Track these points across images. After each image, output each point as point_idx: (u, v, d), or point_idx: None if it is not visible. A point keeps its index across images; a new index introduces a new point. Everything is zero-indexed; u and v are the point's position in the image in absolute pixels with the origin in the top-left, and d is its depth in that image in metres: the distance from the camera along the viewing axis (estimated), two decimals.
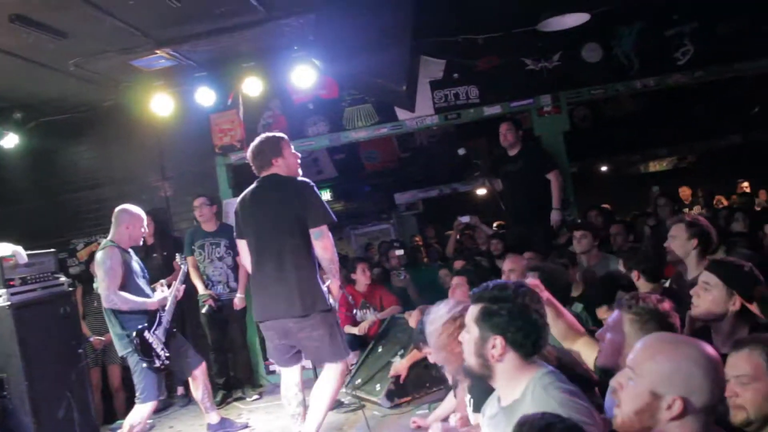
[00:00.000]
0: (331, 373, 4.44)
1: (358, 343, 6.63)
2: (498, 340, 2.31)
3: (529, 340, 2.31)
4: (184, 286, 5.63)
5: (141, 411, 5.05)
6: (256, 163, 4.55)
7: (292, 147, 4.67)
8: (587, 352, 2.97)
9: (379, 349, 6.37)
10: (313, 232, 4.26)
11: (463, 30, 6.88)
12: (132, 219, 5.24)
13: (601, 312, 3.80)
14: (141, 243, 5.41)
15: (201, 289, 6.66)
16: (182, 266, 5.92)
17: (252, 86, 6.85)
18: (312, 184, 4.42)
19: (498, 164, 6.96)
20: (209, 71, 6.78)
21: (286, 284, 4.26)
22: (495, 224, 9.38)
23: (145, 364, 4.99)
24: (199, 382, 5.39)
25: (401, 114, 7.20)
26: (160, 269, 6.63)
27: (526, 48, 7.17)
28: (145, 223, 5.37)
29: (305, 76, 6.56)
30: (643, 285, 4.04)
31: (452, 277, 5.88)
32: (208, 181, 7.48)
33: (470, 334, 2.39)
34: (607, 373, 2.66)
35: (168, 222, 7.57)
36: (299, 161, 4.65)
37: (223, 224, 7.02)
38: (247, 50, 6.48)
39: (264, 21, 5.71)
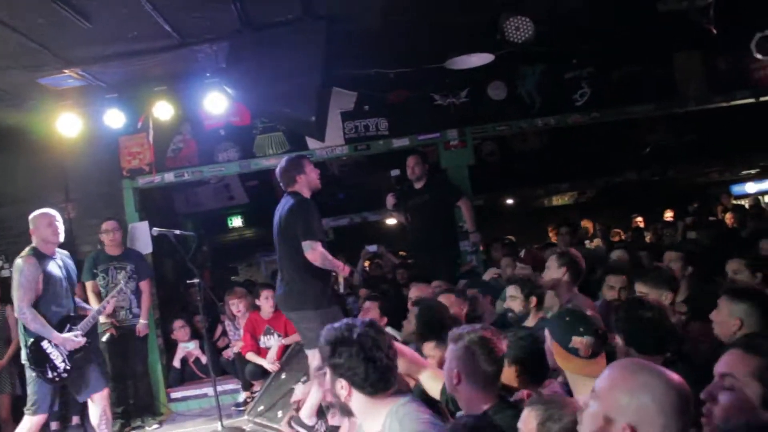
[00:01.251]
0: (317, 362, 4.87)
1: (261, 370, 6.63)
2: (343, 382, 2.43)
3: (368, 382, 2.40)
4: (114, 300, 5.76)
5: (28, 423, 4.89)
6: (283, 182, 5.22)
7: (312, 164, 5.30)
8: (430, 384, 3.13)
9: (283, 376, 6.38)
10: (303, 245, 4.79)
11: (374, 64, 7.08)
12: (35, 221, 5.15)
13: (428, 348, 3.85)
14: (61, 239, 5.27)
15: (102, 317, 6.49)
16: (120, 282, 6.02)
17: (163, 110, 6.79)
18: (305, 202, 5.03)
19: (405, 197, 7.15)
20: (120, 93, 6.67)
21: (285, 284, 5.04)
22: (401, 253, 9.58)
23: (35, 374, 4.88)
24: (97, 407, 5.24)
25: (312, 143, 7.30)
26: None
27: (434, 83, 7.47)
28: (54, 219, 5.18)
29: (217, 103, 6.55)
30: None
31: (372, 302, 6.03)
32: (113, 204, 7.34)
33: (327, 374, 2.50)
34: (454, 400, 2.86)
35: (70, 245, 7.32)
36: (319, 177, 5.29)
37: (129, 249, 6.92)
38: (159, 74, 6.42)
39: (177, 47, 5.68)
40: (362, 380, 2.40)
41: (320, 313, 4.89)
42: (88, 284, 6.67)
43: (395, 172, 6.96)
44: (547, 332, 3.02)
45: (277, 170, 5.26)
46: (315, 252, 4.78)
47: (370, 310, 5.72)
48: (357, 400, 2.44)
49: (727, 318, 3.17)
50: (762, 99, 8.00)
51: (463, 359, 2.73)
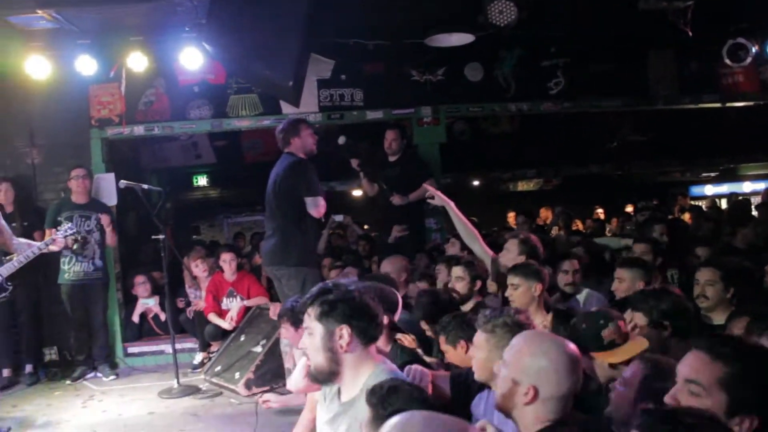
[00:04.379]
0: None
1: (221, 331, 6.66)
2: (344, 330, 2.44)
3: (372, 326, 2.50)
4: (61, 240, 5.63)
5: None
6: (280, 142, 5.40)
7: (311, 129, 5.45)
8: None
9: (242, 338, 6.42)
10: (307, 202, 5.14)
11: (354, 34, 7.05)
12: None
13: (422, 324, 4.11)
14: None
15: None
16: (58, 234, 5.75)
17: (137, 61, 6.63)
18: (301, 163, 5.26)
19: (379, 168, 7.15)
20: (93, 40, 6.49)
21: (274, 238, 5.26)
22: (364, 226, 9.63)
23: None
24: None
25: (285, 108, 7.21)
26: None
27: (412, 59, 7.47)
28: None
29: (193, 59, 6.44)
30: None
31: (339, 269, 6.31)
32: (80, 153, 7.16)
33: (314, 335, 2.49)
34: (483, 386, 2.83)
35: (32, 191, 7.20)
36: (315, 142, 5.42)
37: (94, 199, 6.82)
38: (136, 24, 6.30)
39: None
40: (367, 323, 2.48)
41: (303, 270, 5.14)
42: (49, 232, 6.54)
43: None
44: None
45: (277, 129, 5.46)
46: (319, 207, 5.14)
47: (350, 275, 5.80)
48: (355, 350, 2.47)
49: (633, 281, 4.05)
50: (728, 104, 8.24)
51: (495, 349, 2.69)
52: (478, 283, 4.51)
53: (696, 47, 7.43)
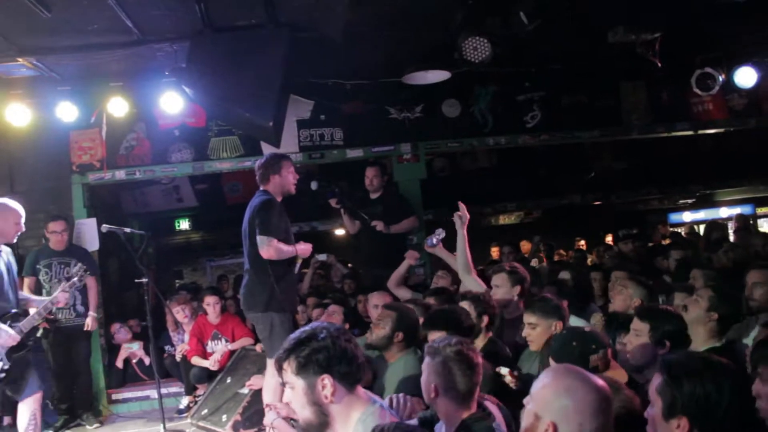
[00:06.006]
0: (269, 369, 4.99)
1: (206, 374, 6.59)
2: (326, 379, 2.37)
3: (353, 368, 2.42)
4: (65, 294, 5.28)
5: None
6: (258, 177, 5.11)
7: (293, 167, 5.18)
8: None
9: (228, 380, 6.36)
10: (258, 242, 4.78)
11: (332, 74, 7.17)
12: (3, 213, 4.84)
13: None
14: (14, 240, 4.97)
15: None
16: (75, 277, 5.51)
17: (118, 106, 6.68)
18: (269, 202, 4.91)
19: (359, 206, 7.19)
20: (74, 86, 6.56)
21: (245, 283, 5.05)
22: (348, 264, 9.64)
23: None
24: (28, 410, 4.89)
25: (266, 148, 7.23)
26: None
27: (390, 97, 7.60)
28: (21, 219, 4.88)
29: (174, 102, 6.50)
30: None
31: (322, 309, 6.15)
32: (61, 199, 7.16)
33: (296, 389, 2.41)
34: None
35: None
36: (295, 181, 5.18)
37: (74, 245, 6.77)
38: (116, 69, 6.35)
39: (137, 43, 5.65)
40: (347, 366, 2.40)
41: (270, 316, 4.88)
42: (27, 280, 6.44)
43: (314, 185, 6.93)
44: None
45: (257, 163, 5.16)
46: (270, 247, 4.72)
47: (335, 314, 5.77)
48: (340, 398, 2.39)
49: (630, 297, 4.40)
50: (700, 132, 8.44)
51: (440, 374, 2.78)
52: (485, 319, 4.15)
53: (666, 77, 7.64)
